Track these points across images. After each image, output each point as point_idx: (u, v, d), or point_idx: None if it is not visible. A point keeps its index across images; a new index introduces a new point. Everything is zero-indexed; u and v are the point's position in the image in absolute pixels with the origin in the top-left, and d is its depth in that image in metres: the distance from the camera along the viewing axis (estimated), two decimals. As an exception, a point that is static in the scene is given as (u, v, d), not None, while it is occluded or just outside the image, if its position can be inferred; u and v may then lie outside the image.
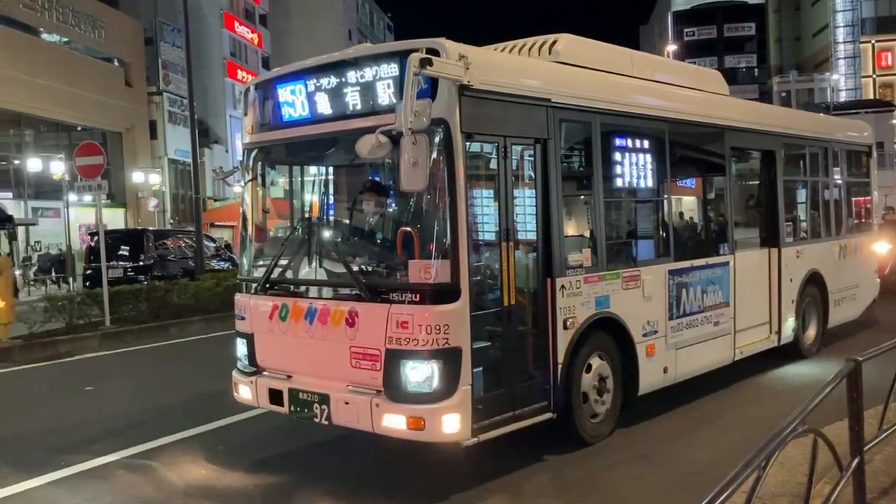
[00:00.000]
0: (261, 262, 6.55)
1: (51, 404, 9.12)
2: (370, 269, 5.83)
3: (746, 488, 2.94)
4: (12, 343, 12.22)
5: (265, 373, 6.23)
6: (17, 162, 32.80)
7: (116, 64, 39.60)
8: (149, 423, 7.72)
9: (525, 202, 6.05)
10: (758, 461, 2.92)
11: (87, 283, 19.07)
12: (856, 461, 4.07)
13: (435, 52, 5.12)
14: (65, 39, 35.93)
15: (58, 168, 31.12)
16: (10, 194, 32.39)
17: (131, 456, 6.60)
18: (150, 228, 21.91)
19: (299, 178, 6.93)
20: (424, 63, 4.90)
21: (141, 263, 19.97)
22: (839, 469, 3.96)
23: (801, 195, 10.27)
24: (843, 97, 65.70)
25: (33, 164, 31.09)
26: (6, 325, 12.27)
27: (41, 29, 34.16)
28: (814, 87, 70.03)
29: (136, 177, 37.40)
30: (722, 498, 2.55)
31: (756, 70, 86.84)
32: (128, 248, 20.18)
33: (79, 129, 36.36)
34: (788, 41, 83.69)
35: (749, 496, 2.96)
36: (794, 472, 4.83)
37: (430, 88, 5.13)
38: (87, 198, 18.87)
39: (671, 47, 59.26)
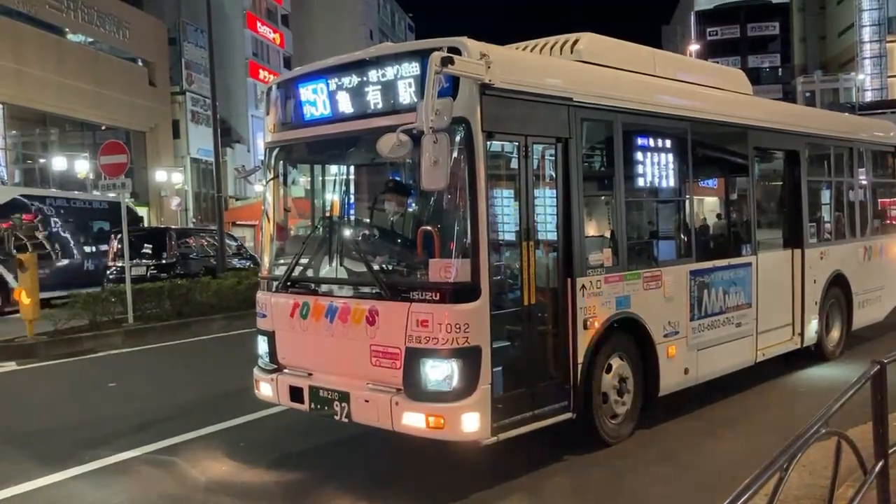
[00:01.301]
0: (282, 261, 6.59)
1: (74, 400, 9.24)
2: (391, 267, 5.84)
3: (768, 490, 2.91)
4: (37, 339, 12.39)
5: (286, 370, 6.26)
6: (42, 161, 33.26)
7: (140, 64, 40.02)
8: (171, 419, 7.79)
9: (546, 201, 6.03)
10: (780, 462, 2.89)
11: (111, 281, 19.26)
12: (880, 465, 4.02)
13: (456, 51, 5.11)
14: (90, 40, 36.37)
15: (82, 167, 31.49)
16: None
17: (153, 451, 6.66)
18: (173, 227, 22.06)
19: (320, 177, 6.96)
20: (446, 62, 4.90)
21: (164, 261, 20.13)
22: (863, 472, 3.91)
23: (826, 196, 10.15)
24: (868, 97, 64.85)
25: (58, 163, 31.49)
26: (32, 322, 12.45)
27: (66, 29, 34.60)
28: (839, 87, 69.20)
29: (160, 176, 37.76)
30: (743, 499, 2.52)
31: (780, 70, 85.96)
32: (151, 246, 20.35)
33: (103, 128, 36.80)
34: (813, 40, 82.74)
35: (771, 498, 2.93)
36: (816, 475, 4.78)
37: (452, 87, 5.13)
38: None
39: (694, 47, 58.85)
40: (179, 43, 43.97)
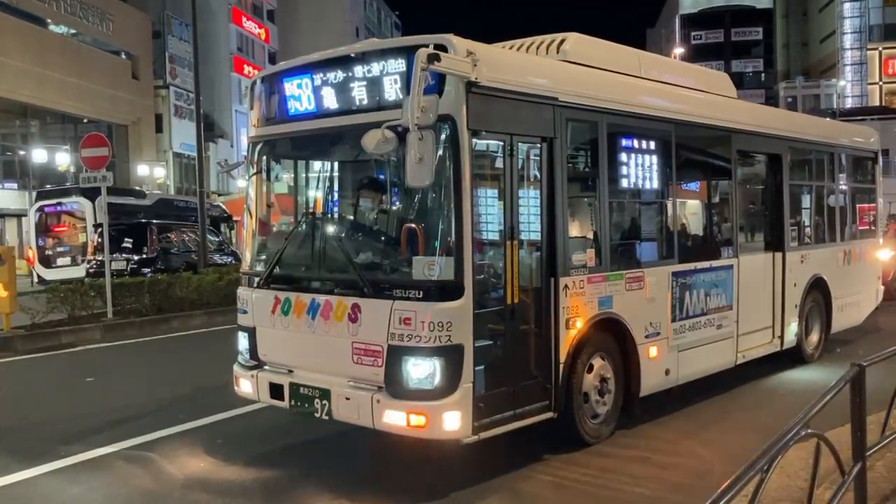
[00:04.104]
0: (264, 256, 6.54)
1: (51, 394, 9.13)
2: (374, 264, 5.81)
3: (747, 492, 2.91)
4: (14, 333, 12.24)
5: (266, 367, 6.22)
6: (22, 153, 32.86)
7: (124, 57, 39.68)
8: (149, 415, 7.71)
9: (530, 201, 6.03)
10: (760, 464, 2.89)
11: (90, 275, 19.07)
12: (857, 467, 4.05)
13: (443, 48, 5.10)
14: (72, 31, 36.00)
15: (63, 159, 31.19)
16: (14, 185, 32.48)
17: (131, 447, 6.60)
18: (154, 221, 21.86)
19: (304, 173, 6.92)
20: (432, 59, 4.88)
21: (144, 256, 19.97)
22: (841, 474, 3.93)
23: (807, 200, 10.23)
24: (849, 104, 65.63)
25: (38, 155, 31.16)
26: (8, 315, 12.29)
27: (48, 20, 34.23)
28: (820, 93, 70.00)
29: (141, 170, 37.49)
30: (724, 500, 2.52)
31: (762, 75, 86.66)
32: (131, 240, 20.18)
33: (85, 121, 36.47)
34: (795, 46, 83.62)
35: (751, 499, 2.94)
36: (794, 476, 4.81)
37: (438, 84, 5.11)
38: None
39: (678, 50, 59.04)
40: (164, 36, 43.63)
